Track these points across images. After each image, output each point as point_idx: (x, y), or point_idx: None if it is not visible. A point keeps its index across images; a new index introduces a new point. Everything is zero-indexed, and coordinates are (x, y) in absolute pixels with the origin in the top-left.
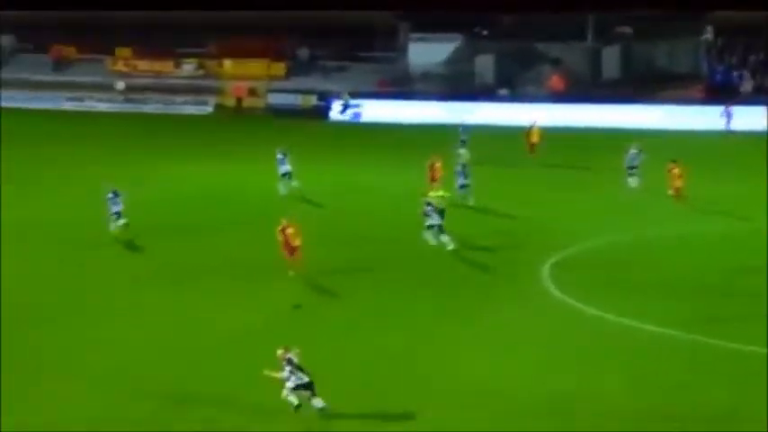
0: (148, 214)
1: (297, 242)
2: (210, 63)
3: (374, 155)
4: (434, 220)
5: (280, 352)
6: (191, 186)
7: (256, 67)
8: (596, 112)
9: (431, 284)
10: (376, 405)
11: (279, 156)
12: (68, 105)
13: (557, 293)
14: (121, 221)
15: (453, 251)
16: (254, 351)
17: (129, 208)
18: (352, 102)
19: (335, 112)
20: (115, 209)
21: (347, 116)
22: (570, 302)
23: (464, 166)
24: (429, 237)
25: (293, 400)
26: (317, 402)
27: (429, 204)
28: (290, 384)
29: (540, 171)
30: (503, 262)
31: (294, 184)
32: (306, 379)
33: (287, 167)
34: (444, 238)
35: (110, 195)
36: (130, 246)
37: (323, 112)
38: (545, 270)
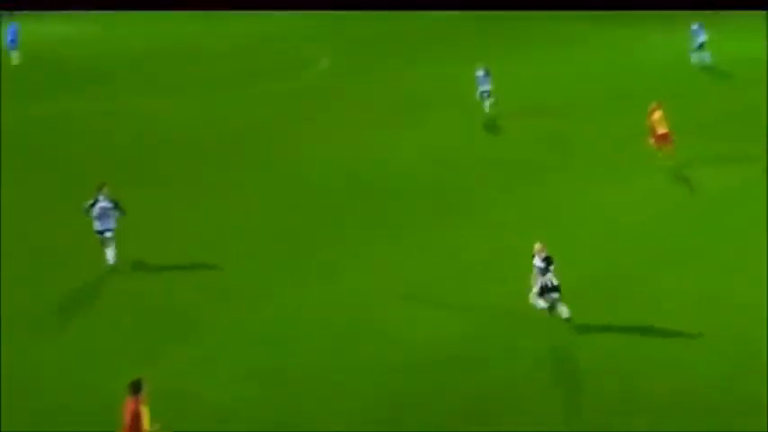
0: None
1: (662, 129)
2: None
3: None
4: None
5: (537, 246)
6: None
7: None
8: None
9: None
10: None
11: (693, 27)
12: None
13: None
14: (490, 100)
15: None
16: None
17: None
18: None
19: None
20: (482, 88)
21: None
22: None
23: None
24: None
25: (542, 303)
26: (564, 311)
27: None
28: (535, 290)
29: None
30: None
31: (705, 55)
32: (555, 282)
33: (703, 38)
34: None
35: (480, 74)
36: (495, 126)
37: None
38: None
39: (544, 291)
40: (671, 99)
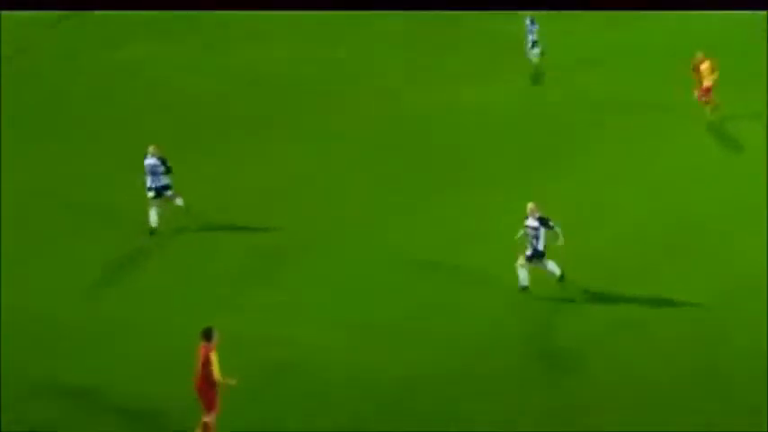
0: None
1: (707, 82)
2: None
3: None
4: None
5: (531, 206)
6: None
7: None
8: None
9: None
10: None
11: None
12: None
13: None
14: (536, 50)
15: None
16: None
17: None
18: None
19: None
20: (531, 37)
21: None
22: None
23: None
24: None
25: (523, 278)
26: (552, 267)
27: None
28: (528, 253)
29: None
30: None
31: None
32: (540, 248)
33: None
34: None
35: (527, 21)
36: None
37: None
38: None
39: (534, 256)
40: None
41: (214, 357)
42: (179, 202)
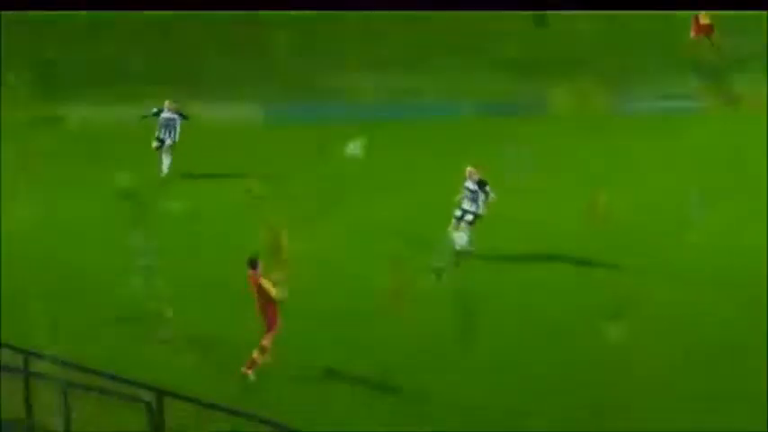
0: None
1: (705, 20)
2: None
3: None
4: None
5: (470, 168)
6: None
7: None
8: None
9: None
10: None
11: None
12: None
13: None
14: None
15: None
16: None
17: None
18: None
19: None
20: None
21: None
22: None
23: None
24: None
25: (459, 240)
26: (460, 238)
27: None
28: (457, 213)
29: None
30: None
31: None
32: (478, 211)
33: None
34: None
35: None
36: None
37: None
38: None
39: (463, 216)
40: None
41: (265, 283)
42: (166, 163)
